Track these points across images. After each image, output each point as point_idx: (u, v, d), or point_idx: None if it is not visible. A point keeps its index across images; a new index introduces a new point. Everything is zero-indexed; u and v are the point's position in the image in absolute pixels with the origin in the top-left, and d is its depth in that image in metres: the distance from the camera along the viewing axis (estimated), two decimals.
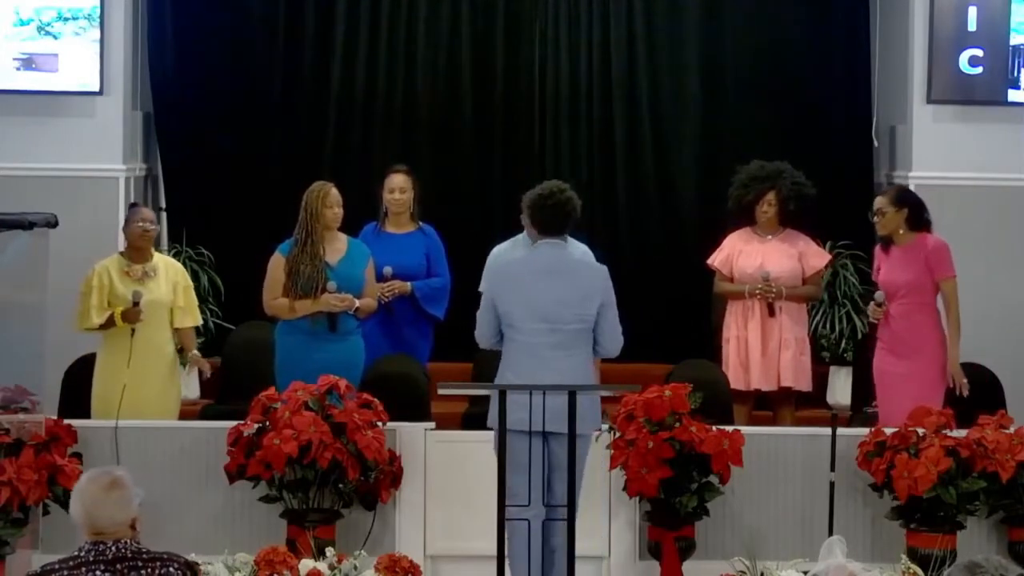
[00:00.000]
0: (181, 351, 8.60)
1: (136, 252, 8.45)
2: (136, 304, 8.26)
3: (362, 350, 8.43)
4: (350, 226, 8.83)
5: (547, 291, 7.10)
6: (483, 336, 7.28)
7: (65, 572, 4.64)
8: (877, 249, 8.56)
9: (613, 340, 7.22)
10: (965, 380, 8.23)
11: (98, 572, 4.64)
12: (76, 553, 4.68)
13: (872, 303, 8.42)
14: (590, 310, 7.13)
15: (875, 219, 8.39)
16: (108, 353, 8.38)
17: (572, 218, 7.32)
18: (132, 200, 9.87)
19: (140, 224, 8.45)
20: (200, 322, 8.84)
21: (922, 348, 8.24)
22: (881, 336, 8.38)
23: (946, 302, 8.27)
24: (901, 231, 8.31)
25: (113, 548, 4.67)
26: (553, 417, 6.75)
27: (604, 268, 7.41)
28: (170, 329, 8.51)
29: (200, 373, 8.80)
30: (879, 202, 8.40)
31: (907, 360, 8.22)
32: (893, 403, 8.08)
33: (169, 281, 8.46)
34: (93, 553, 4.66)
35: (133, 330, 8.25)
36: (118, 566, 4.65)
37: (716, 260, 9.04)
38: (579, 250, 8.43)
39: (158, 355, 8.40)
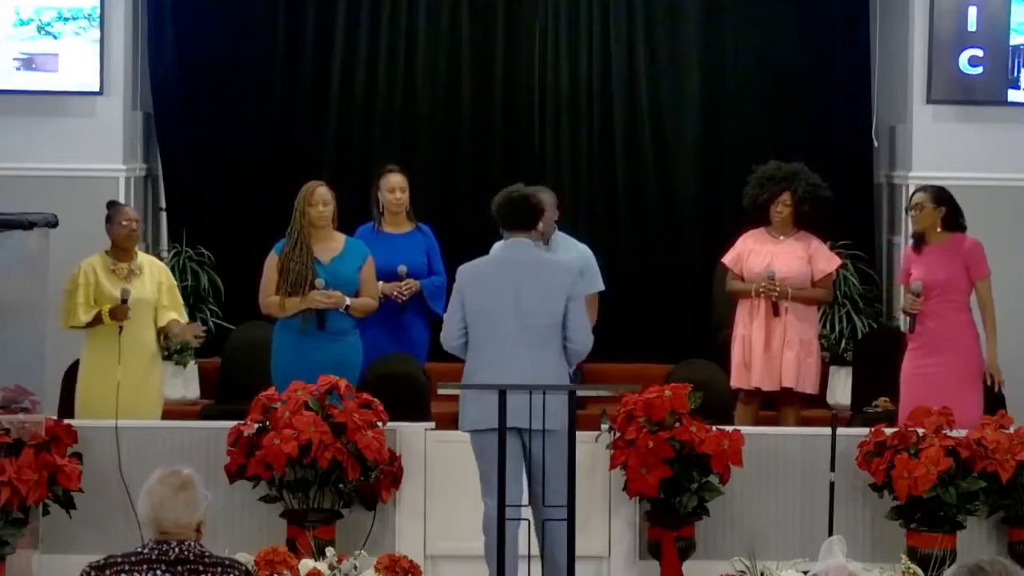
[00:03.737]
0: (165, 337, 8.62)
1: (121, 251, 8.44)
2: (124, 302, 8.25)
3: (359, 350, 8.43)
4: (350, 226, 8.83)
5: (515, 289, 7.10)
6: (447, 337, 7.24)
7: (127, 567, 4.63)
8: (907, 250, 8.56)
9: (582, 334, 7.15)
10: (1002, 378, 8.24)
11: (159, 572, 4.63)
12: (139, 549, 4.67)
13: (909, 294, 8.35)
14: (556, 305, 7.10)
15: (911, 213, 8.42)
16: (94, 351, 8.36)
17: (537, 214, 7.34)
18: (132, 202, 9.87)
19: (125, 224, 8.44)
20: (187, 319, 8.83)
21: (956, 347, 8.19)
22: (912, 336, 8.33)
23: (983, 301, 8.27)
24: (938, 229, 8.31)
25: (176, 549, 4.66)
26: (525, 414, 6.65)
27: (573, 267, 7.40)
28: (154, 328, 8.50)
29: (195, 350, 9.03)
30: (919, 197, 8.41)
31: (941, 359, 8.18)
32: (927, 402, 7.92)
33: (154, 280, 8.45)
34: (156, 552, 4.65)
35: (121, 328, 8.24)
36: (179, 568, 4.64)
37: (728, 258, 9.03)
38: (576, 250, 8.45)
39: (144, 353, 8.39)
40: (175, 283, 8.69)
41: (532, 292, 7.11)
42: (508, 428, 6.76)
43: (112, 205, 8.60)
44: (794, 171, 8.97)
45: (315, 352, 8.22)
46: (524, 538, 6.93)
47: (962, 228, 8.35)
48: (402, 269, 8.79)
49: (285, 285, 8.32)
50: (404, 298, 8.77)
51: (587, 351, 7.30)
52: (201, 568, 4.66)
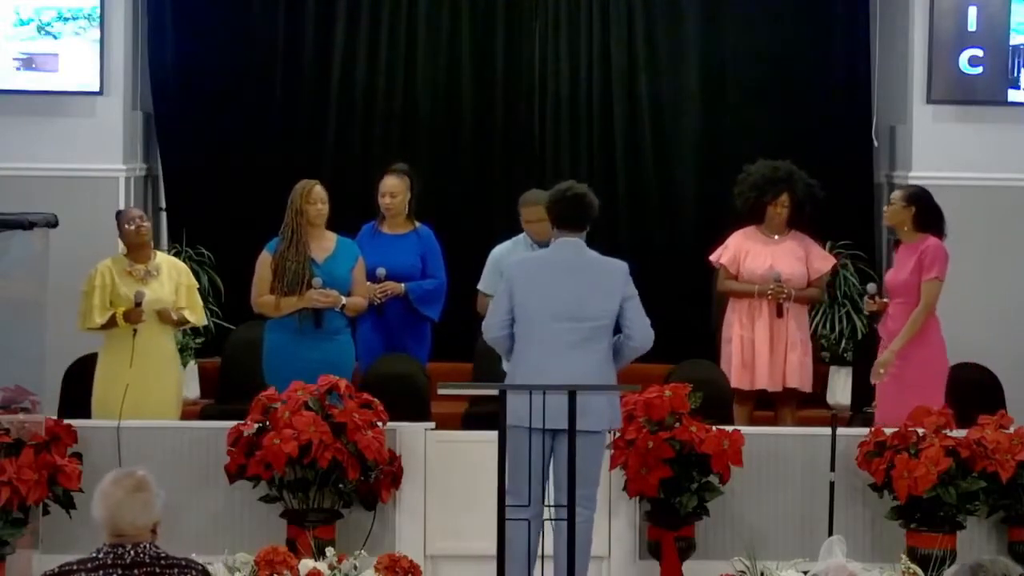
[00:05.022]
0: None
1: (137, 252, 8.45)
2: (138, 304, 8.25)
3: (351, 349, 8.44)
4: (349, 226, 8.83)
5: (567, 288, 7.07)
6: (492, 326, 7.17)
7: (83, 574, 4.62)
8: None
9: (643, 331, 7.15)
10: (883, 371, 8.15)
11: None
12: (94, 555, 4.65)
13: (866, 296, 8.44)
14: (610, 306, 7.10)
15: (884, 209, 8.46)
16: (109, 353, 8.38)
17: (590, 214, 7.25)
18: (132, 202, 9.89)
19: (130, 224, 8.43)
20: (204, 322, 8.83)
21: (915, 348, 8.21)
22: (882, 335, 8.38)
23: (922, 300, 8.16)
24: (906, 228, 8.30)
25: (132, 552, 4.64)
26: (562, 414, 6.66)
27: (624, 264, 7.33)
28: (172, 329, 8.51)
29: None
30: (894, 195, 8.45)
31: (904, 360, 8.21)
32: (891, 402, 8.05)
33: (172, 281, 8.44)
34: (111, 556, 4.63)
35: (135, 330, 8.25)
36: (135, 571, 4.62)
37: (722, 258, 9.00)
38: None
39: (160, 355, 8.39)
40: (195, 283, 8.66)
41: (583, 293, 7.08)
42: (537, 429, 6.77)
43: (119, 213, 8.63)
44: (789, 171, 8.96)
45: (308, 351, 8.23)
46: (540, 539, 6.96)
47: (938, 232, 8.30)
48: (380, 272, 8.73)
49: (281, 284, 8.31)
50: (379, 301, 8.72)
51: (646, 347, 7.27)
52: (158, 570, 4.64)
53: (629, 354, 7.23)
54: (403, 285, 8.78)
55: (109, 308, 8.30)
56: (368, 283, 8.63)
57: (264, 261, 8.41)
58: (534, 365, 7.04)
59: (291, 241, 8.35)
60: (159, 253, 8.67)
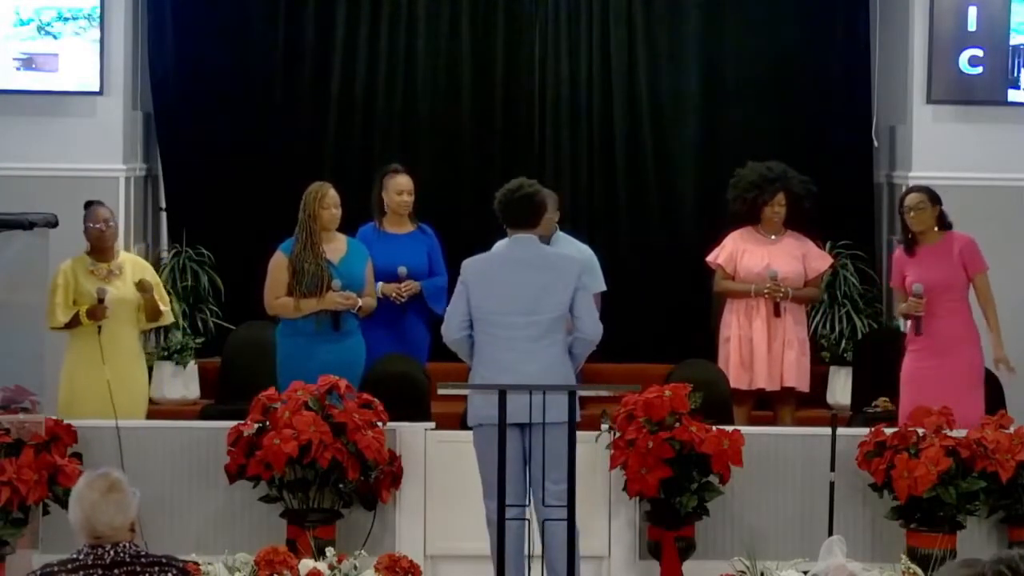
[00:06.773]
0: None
1: (100, 252, 8.42)
2: (101, 301, 8.23)
3: (363, 349, 8.45)
4: (349, 226, 8.83)
5: (524, 284, 7.10)
6: (451, 328, 7.20)
7: (63, 575, 4.63)
8: (898, 254, 8.46)
9: (593, 325, 7.17)
10: (1014, 365, 8.29)
11: None
12: (75, 556, 4.66)
13: (912, 297, 8.25)
14: (566, 298, 7.11)
15: (911, 215, 8.32)
16: (75, 351, 8.34)
17: (541, 212, 7.34)
18: (132, 202, 9.89)
19: (94, 225, 8.39)
20: (171, 319, 8.81)
21: (959, 347, 8.18)
22: (912, 338, 8.30)
23: (984, 295, 8.28)
24: (935, 229, 8.32)
25: (111, 552, 4.65)
26: (536, 410, 6.67)
27: (580, 260, 7.39)
28: (137, 328, 8.48)
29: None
30: (916, 198, 8.33)
31: (944, 359, 8.15)
32: (929, 403, 7.85)
33: (136, 279, 8.41)
34: (91, 557, 4.64)
35: (100, 328, 8.22)
36: (116, 571, 4.63)
37: (719, 258, 9.00)
38: (577, 250, 8.45)
39: (125, 353, 8.36)
40: (159, 280, 8.66)
41: (538, 287, 7.11)
42: (510, 424, 6.78)
43: (87, 205, 8.54)
44: (782, 169, 9.00)
45: (325, 353, 8.23)
46: (529, 538, 6.95)
47: (949, 226, 8.36)
48: (402, 270, 8.79)
49: (299, 287, 8.30)
50: (403, 299, 8.78)
51: (597, 340, 7.29)
52: (138, 569, 4.66)
53: (581, 349, 7.24)
54: (419, 283, 8.82)
55: (72, 307, 8.27)
56: (384, 283, 8.69)
57: (279, 263, 8.39)
58: (498, 362, 7.08)
59: (305, 244, 8.34)
60: (122, 252, 8.63)
